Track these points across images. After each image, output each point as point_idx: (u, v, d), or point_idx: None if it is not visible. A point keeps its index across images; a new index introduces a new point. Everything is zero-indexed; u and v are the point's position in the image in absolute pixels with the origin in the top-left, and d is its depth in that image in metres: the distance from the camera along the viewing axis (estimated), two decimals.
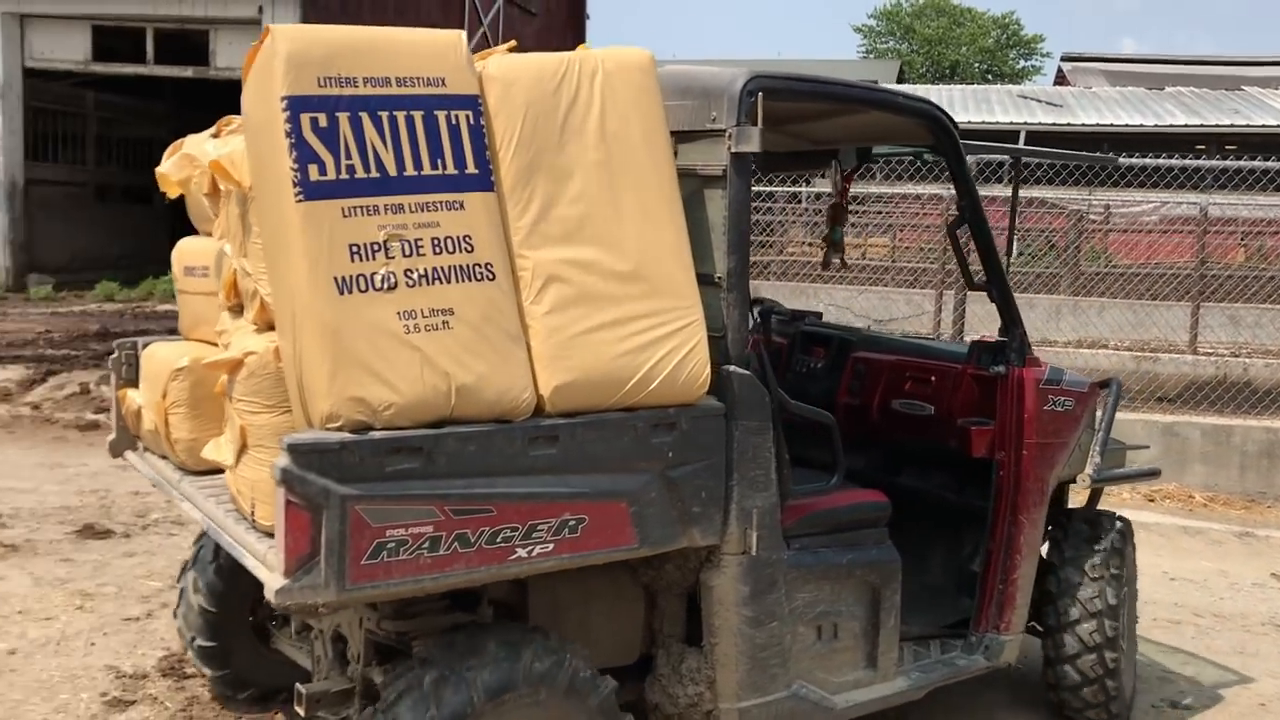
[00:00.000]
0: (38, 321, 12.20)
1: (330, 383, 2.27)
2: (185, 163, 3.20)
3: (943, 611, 3.69)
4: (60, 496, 6.24)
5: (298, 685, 2.81)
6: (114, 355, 3.60)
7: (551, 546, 2.51)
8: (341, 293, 2.29)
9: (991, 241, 3.41)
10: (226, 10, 14.20)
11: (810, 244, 12.69)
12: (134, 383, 3.53)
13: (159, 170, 3.23)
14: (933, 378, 3.71)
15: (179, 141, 3.38)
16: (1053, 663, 3.71)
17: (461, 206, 2.43)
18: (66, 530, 5.65)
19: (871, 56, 46.77)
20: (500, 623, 2.80)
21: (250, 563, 2.47)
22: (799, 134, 3.83)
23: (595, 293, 2.56)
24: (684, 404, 2.70)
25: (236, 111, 2.72)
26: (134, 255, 16.72)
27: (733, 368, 2.80)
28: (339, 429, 2.28)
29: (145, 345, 3.50)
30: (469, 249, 2.43)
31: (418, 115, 2.41)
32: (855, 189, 12.73)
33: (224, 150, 2.84)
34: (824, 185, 11.52)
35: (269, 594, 2.23)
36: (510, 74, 2.57)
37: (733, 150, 2.76)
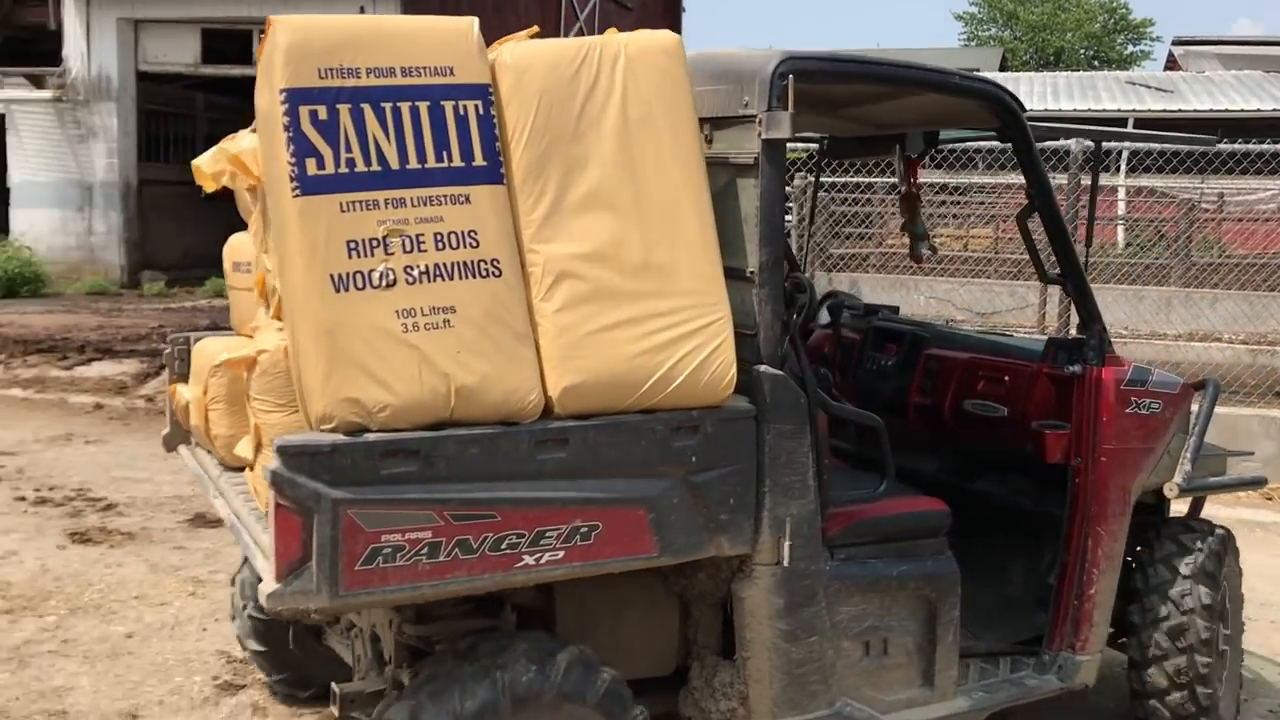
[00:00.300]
0: (151, 317, 12.73)
1: (325, 383, 2.20)
2: (220, 157, 3.18)
3: (1017, 626, 3.44)
4: (173, 486, 6.44)
5: (333, 684, 2.78)
6: (167, 350, 3.63)
7: (562, 554, 2.39)
8: (338, 290, 2.21)
9: (1065, 231, 3.15)
10: (330, 10, 14.55)
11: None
12: (186, 377, 3.56)
13: (195, 163, 3.23)
14: (1006, 377, 3.45)
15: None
16: (1137, 665, 3.41)
17: (467, 200, 2.33)
18: (179, 519, 5.83)
19: (973, 44, 45.19)
20: (526, 631, 2.70)
21: (260, 563, 2.43)
22: (859, 118, 3.61)
23: (610, 289, 2.43)
24: (708, 406, 2.55)
25: None
26: None
27: (764, 367, 2.63)
28: (334, 430, 2.21)
29: (197, 340, 3.52)
30: (474, 244, 2.32)
31: (423, 106, 2.32)
32: (956, 180, 12.31)
33: (245, 145, 2.81)
34: (931, 176, 11.20)
35: (260, 597, 2.17)
36: (524, 61, 2.45)
37: (764, 137, 2.59)
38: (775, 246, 2.64)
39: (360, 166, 2.25)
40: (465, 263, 2.31)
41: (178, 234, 16.21)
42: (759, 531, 2.65)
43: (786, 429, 2.65)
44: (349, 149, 2.25)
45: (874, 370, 3.93)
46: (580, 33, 20.17)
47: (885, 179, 11.76)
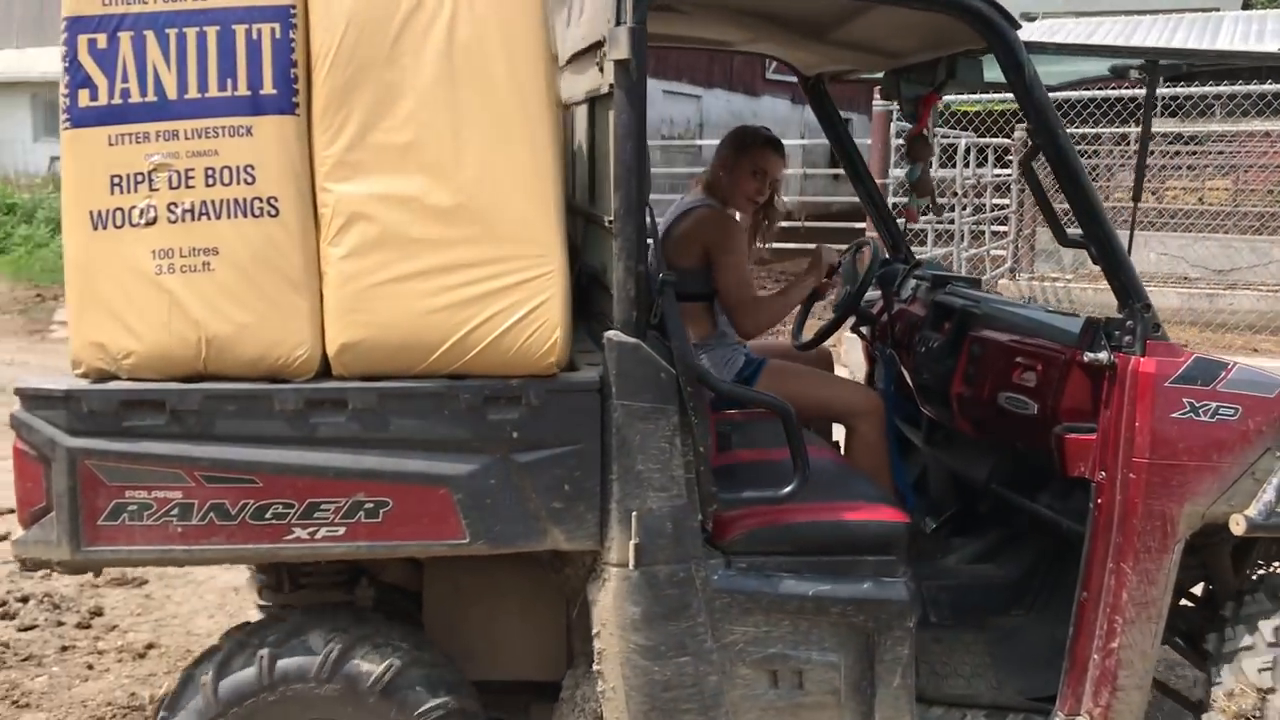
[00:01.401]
0: None
1: (76, 325, 2.09)
2: None
3: (1038, 676, 2.73)
4: None
5: None
6: None
7: (343, 531, 2.14)
8: (95, 228, 2.09)
9: (1083, 179, 2.39)
10: None
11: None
12: None
13: None
14: (1039, 366, 2.73)
15: None
16: (1202, 708, 2.60)
17: (249, 132, 2.12)
18: None
19: None
20: (368, 611, 2.48)
21: None
22: (848, 45, 3.00)
23: (409, 235, 2.12)
24: (535, 375, 2.18)
25: None
26: None
27: (613, 333, 2.21)
28: (84, 376, 2.10)
29: None
30: (249, 180, 2.11)
31: (212, 31, 2.12)
32: (1191, 129, 10.28)
33: None
34: (1164, 125, 9.44)
35: (10, 544, 2.12)
36: None
37: (608, 58, 2.15)
38: (630, 190, 2.19)
39: (135, 97, 2.11)
40: (237, 200, 2.10)
41: None
42: (606, 526, 2.25)
43: (640, 408, 2.21)
44: (125, 79, 2.11)
45: (924, 353, 3.27)
46: None
47: (1113, 129, 10.26)
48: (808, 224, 15.18)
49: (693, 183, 3.49)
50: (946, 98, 10.23)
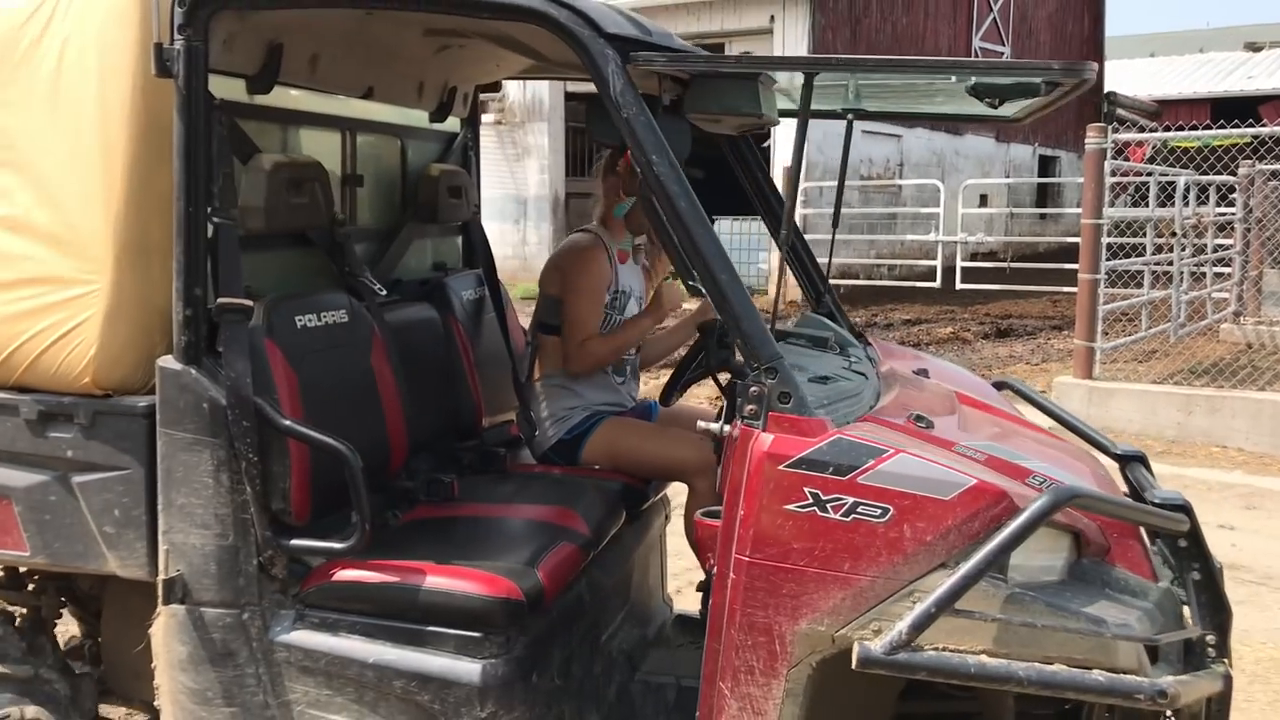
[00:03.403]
0: None
1: None
2: None
3: None
4: None
5: None
6: None
7: None
8: None
9: (690, 215, 1.97)
10: (741, 23, 14.55)
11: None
12: None
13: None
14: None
15: None
16: None
17: None
18: None
19: None
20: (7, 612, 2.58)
21: None
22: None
23: None
24: (84, 394, 2.18)
25: None
26: None
27: (164, 359, 2.16)
28: None
29: None
30: None
31: None
32: None
33: None
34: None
35: None
36: None
37: (155, 74, 2.12)
38: (182, 209, 2.12)
39: None
40: None
41: None
42: (155, 558, 2.19)
43: (183, 438, 2.14)
44: None
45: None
46: (994, 24, 17.85)
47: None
48: (1014, 264, 13.85)
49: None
50: (1164, 135, 9.15)
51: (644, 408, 3.36)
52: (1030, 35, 19.34)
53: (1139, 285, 9.51)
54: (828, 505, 1.93)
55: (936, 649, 1.89)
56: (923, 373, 2.87)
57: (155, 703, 2.33)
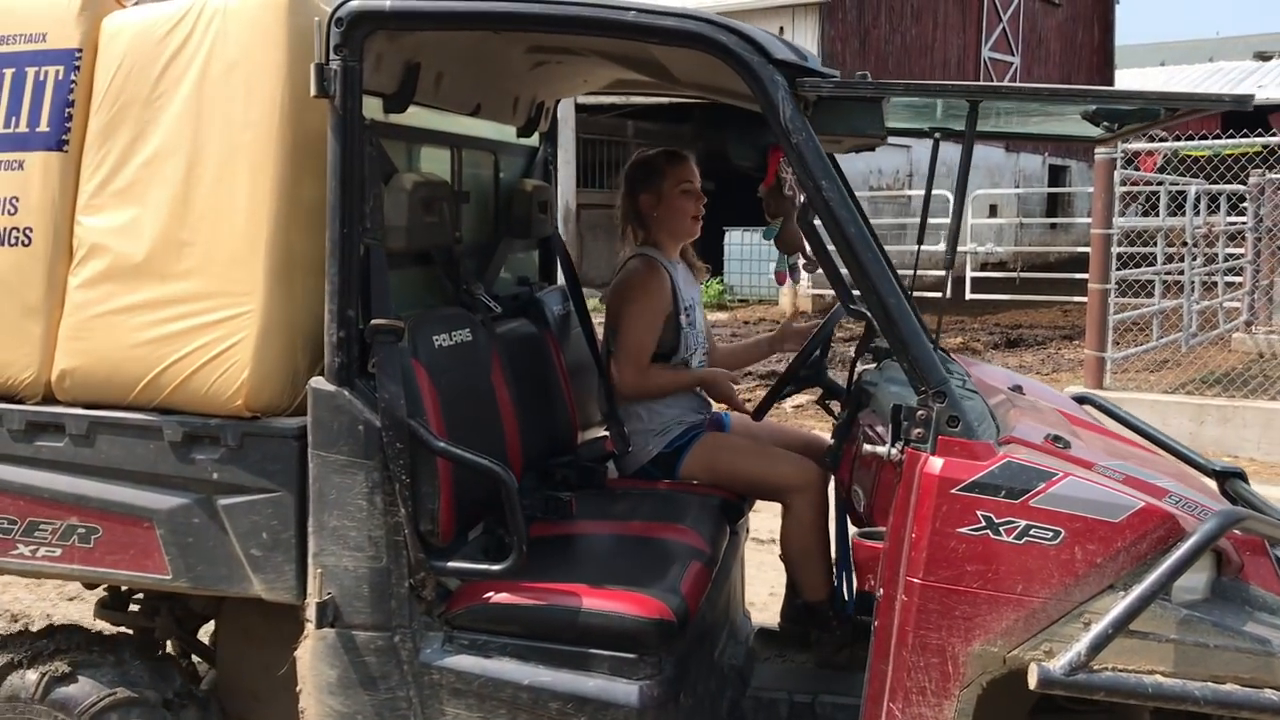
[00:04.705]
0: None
1: None
2: None
3: None
4: None
5: None
6: None
7: (59, 552, 2.22)
8: None
9: (856, 243, 2.00)
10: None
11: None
12: None
13: None
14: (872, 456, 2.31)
15: None
16: None
17: (20, 166, 2.29)
18: None
19: None
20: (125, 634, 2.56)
21: None
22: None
23: (135, 267, 2.19)
24: (235, 416, 2.17)
25: None
26: None
27: (316, 380, 2.15)
28: None
29: None
30: (12, 211, 2.27)
31: (8, 73, 2.33)
32: None
33: None
34: None
35: None
36: (118, 25, 2.31)
37: (313, 94, 2.11)
38: (336, 230, 2.13)
39: None
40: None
41: (609, 253, 17.27)
42: (304, 581, 2.17)
43: (336, 460, 2.12)
44: None
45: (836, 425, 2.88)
46: (1003, 33, 17.96)
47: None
48: (1024, 274, 13.93)
49: (623, 237, 3.32)
50: (1175, 144, 9.25)
51: (718, 420, 3.37)
52: (1040, 45, 19.45)
53: (1150, 295, 9.58)
54: (1000, 528, 1.94)
55: (1110, 669, 1.91)
56: (1017, 389, 2.89)
57: None
